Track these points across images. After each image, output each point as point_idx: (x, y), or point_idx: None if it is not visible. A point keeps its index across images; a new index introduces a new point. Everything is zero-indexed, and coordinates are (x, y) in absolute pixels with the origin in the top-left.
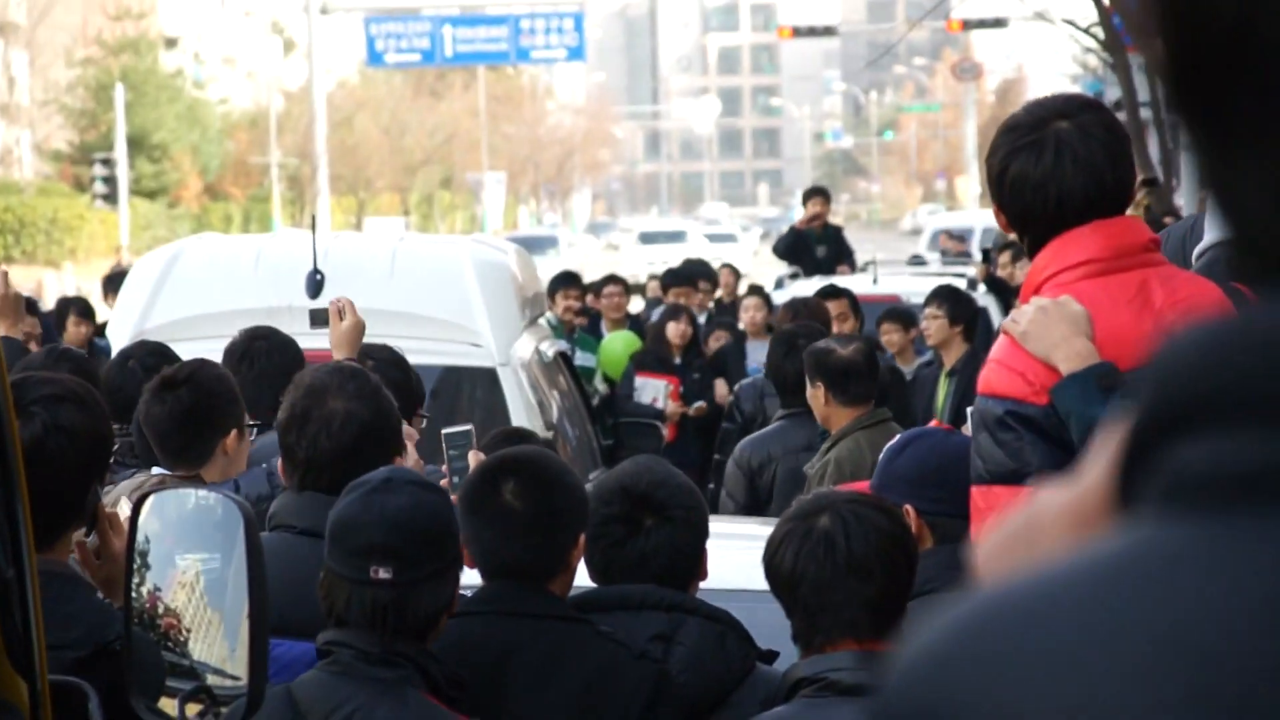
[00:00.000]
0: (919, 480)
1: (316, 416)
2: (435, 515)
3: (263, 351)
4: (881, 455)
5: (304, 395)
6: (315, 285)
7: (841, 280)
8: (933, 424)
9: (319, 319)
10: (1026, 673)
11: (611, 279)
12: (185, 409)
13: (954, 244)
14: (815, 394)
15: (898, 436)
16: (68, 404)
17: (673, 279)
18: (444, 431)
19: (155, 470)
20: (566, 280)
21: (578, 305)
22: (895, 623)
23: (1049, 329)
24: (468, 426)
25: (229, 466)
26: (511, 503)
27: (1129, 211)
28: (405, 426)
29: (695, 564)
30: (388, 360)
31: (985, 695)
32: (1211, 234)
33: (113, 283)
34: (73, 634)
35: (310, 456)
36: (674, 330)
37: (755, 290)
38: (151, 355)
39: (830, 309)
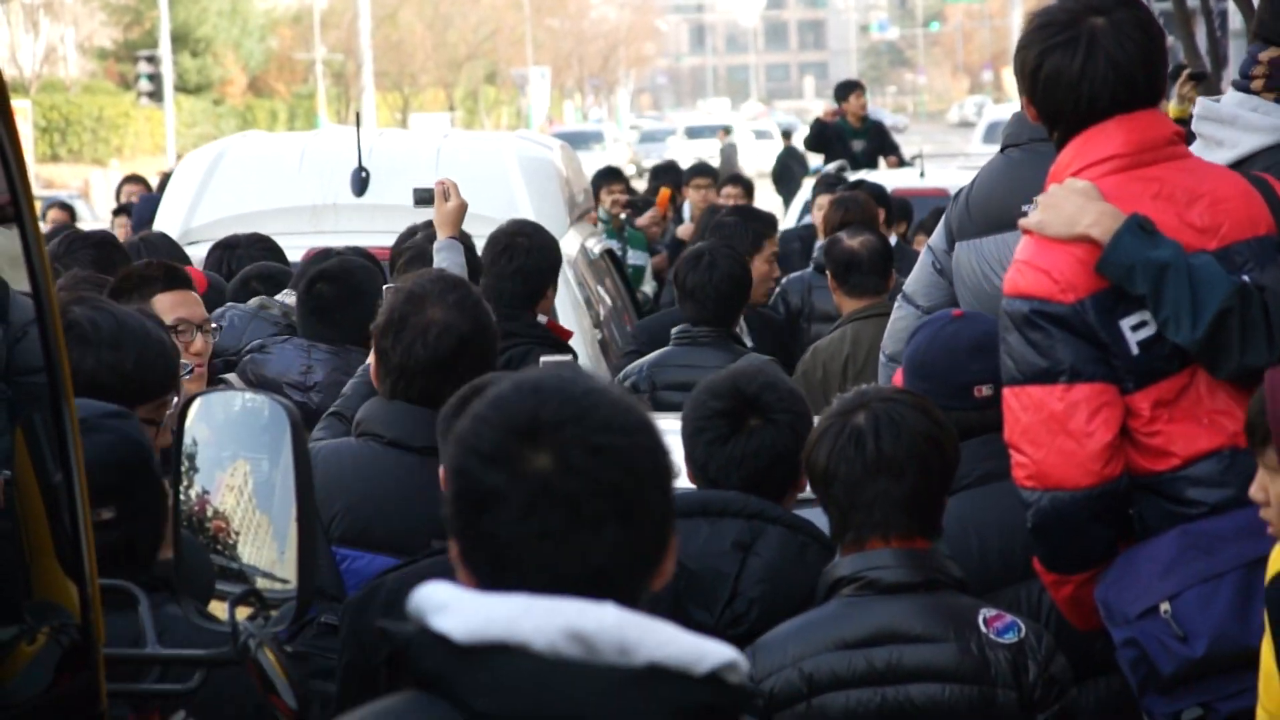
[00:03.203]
0: (909, 370)
1: (414, 324)
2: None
3: (523, 248)
4: None
5: (403, 301)
6: (360, 183)
7: (888, 173)
8: (954, 311)
9: (423, 198)
10: None
11: (701, 169)
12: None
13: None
14: (830, 282)
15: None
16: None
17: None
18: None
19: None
20: (610, 175)
21: (624, 199)
22: (932, 520)
23: (1063, 207)
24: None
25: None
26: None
27: (1175, 105)
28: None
29: (792, 472)
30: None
31: None
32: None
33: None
34: None
35: (403, 364)
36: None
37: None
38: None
39: None
